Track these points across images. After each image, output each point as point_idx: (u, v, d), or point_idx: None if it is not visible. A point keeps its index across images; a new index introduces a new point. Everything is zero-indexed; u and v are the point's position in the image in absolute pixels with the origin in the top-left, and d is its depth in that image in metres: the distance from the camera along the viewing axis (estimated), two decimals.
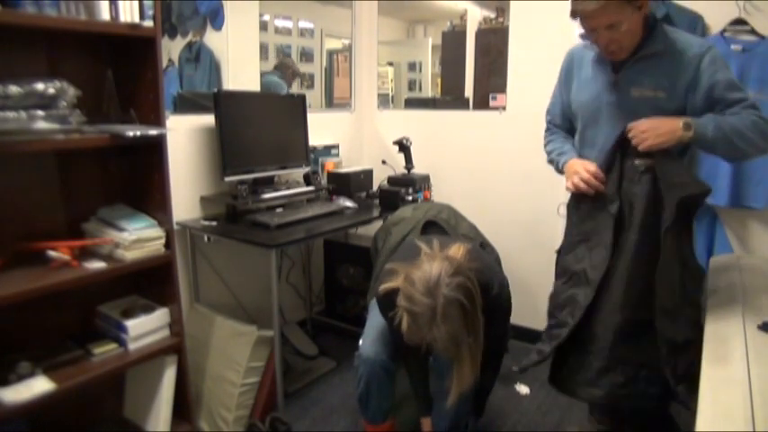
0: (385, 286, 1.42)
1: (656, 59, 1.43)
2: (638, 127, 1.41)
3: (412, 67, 3.23)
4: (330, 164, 2.82)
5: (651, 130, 1.39)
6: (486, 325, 1.37)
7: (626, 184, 1.48)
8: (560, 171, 1.65)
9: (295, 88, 2.77)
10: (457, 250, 1.40)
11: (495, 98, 2.72)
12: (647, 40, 1.44)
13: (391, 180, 2.72)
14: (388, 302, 1.42)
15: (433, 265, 1.31)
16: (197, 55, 2.25)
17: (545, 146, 1.76)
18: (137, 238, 1.57)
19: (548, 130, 1.78)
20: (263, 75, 2.55)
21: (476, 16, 2.82)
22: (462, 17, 2.90)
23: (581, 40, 2.22)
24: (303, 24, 2.77)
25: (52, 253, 1.49)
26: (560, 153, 1.67)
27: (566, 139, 1.72)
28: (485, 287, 1.40)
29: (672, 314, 1.39)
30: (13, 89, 1.27)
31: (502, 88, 2.67)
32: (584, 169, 1.51)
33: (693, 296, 1.45)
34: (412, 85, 3.26)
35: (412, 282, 1.30)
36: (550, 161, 1.71)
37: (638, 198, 1.45)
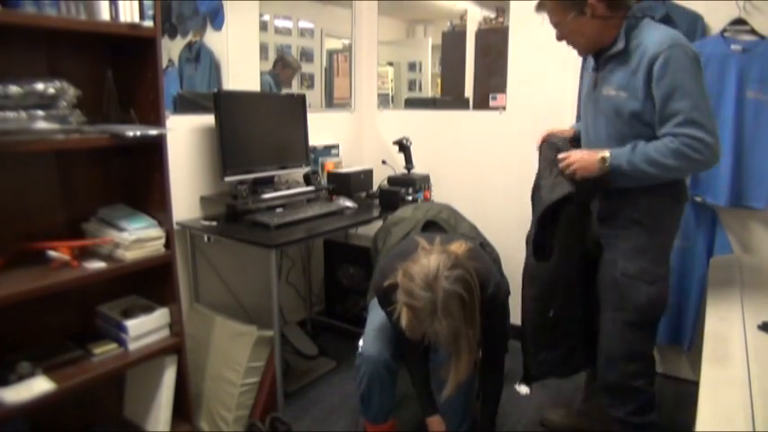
0: (385, 282, 1.41)
1: (619, 59, 1.46)
2: (570, 157, 1.55)
3: (412, 67, 3.23)
4: (330, 164, 2.82)
5: (578, 162, 1.53)
6: (481, 325, 1.36)
7: None
8: None
9: (295, 88, 2.77)
10: (458, 247, 1.40)
11: (495, 98, 2.72)
12: (616, 40, 1.46)
13: (391, 180, 2.72)
14: (387, 298, 1.42)
15: (431, 259, 1.30)
16: (197, 55, 2.25)
17: None
18: (137, 238, 1.57)
19: None
20: (261, 74, 2.55)
21: (476, 16, 2.82)
22: (462, 17, 2.90)
23: None
24: (303, 24, 2.77)
25: (52, 253, 1.49)
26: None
27: None
28: (481, 285, 1.39)
29: None
30: (13, 89, 1.26)
31: (502, 88, 2.67)
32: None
33: None
34: (412, 85, 3.26)
35: (411, 277, 1.29)
36: None
37: None
